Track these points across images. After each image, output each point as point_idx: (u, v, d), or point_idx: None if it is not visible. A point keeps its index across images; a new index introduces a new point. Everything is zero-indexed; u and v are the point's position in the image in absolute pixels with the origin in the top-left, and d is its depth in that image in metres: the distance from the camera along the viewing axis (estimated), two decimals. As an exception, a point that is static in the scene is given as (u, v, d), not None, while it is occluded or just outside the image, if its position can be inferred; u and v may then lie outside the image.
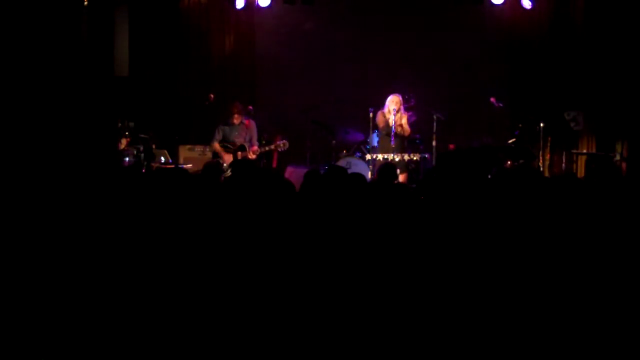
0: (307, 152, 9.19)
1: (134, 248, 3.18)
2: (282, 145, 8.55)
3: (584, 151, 9.00)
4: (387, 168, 5.71)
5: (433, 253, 3.08)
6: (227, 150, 8.53)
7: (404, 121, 8.12)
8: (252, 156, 8.46)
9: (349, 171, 4.70)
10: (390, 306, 2.84)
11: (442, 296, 2.87)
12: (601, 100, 8.91)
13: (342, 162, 8.52)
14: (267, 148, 8.66)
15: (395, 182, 6.00)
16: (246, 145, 8.49)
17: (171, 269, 3.04)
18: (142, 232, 3.30)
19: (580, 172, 8.94)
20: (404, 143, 8.25)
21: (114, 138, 7.97)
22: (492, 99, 8.80)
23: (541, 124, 8.47)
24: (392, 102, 8.09)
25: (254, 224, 3.36)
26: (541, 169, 8.61)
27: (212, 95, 8.96)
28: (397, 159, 7.88)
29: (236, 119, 8.54)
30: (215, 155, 8.61)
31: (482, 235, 3.21)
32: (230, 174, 6.92)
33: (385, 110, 8.14)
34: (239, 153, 8.47)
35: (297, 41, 9.94)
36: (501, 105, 8.81)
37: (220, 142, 8.56)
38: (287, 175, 8.62)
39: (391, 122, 8.03)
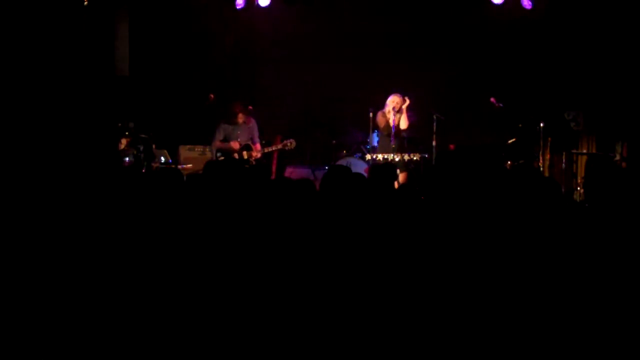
0: (307, 152, 9.19)
1: (134, 248, 3.18)
2: (289, 144, 8.58)
3: (584, 151, 9.01)
4: (380, 169, 5.44)
5: (433, 253, 3.08)
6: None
7: (403, 116, 8.09)
8: (256, 155, 8.49)
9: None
10: (389, 306, 2.84)
11: (441, 296, 2.87)
12: (601, 100, 8.92)
13: (342, 162, 8.52)
14: (274, 147, 8.68)
15: (395, 182, 5.95)
16: (250, 144, 8.51)
17: (171, 269, 3.04)
18: (142, 232, 3.30)
19: (581, 172, 8.95)
20: (404, 143, 8.24)
21: (114, 138, 7.97)
22: (492, 99, 8.80)
23: (541, 124, 8.47)
24: (392, 102, 8.09)
25: (253, 224, 3.36)
26: (541, 169, 8.61)
27: (212, 95, 8.96)
28: (397, 159, 7.88)
29: (240, 118, 8.56)
30: (222, 152, 8.59)
31: (483, 235, 3.22)
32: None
33: (386, 110, 8.14)
34: (244, 152, 8.49)
35: (297, 41, 9.94)
36: (501, 105, 8.81)
37: (222, 141, 8.56)
38: (287, 175, 8.63)
39: (391, 122, 8.03)
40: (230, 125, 8.56)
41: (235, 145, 8.44)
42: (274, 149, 8.71)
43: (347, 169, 4.40)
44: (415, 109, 8.16)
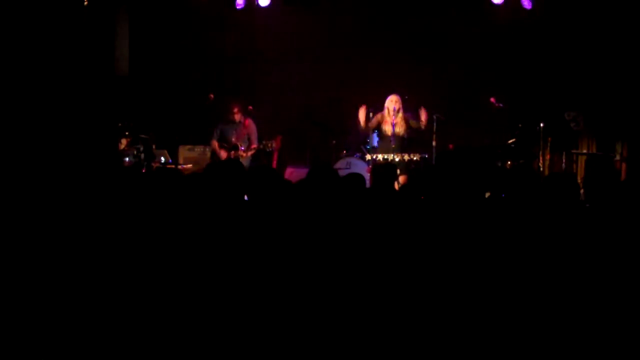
0: (307, 152, 9.18)
1: (134, 248, 3.18)
2: (269, 145, 8.53)
3: (584, 151, 9.01)
4: (382, 168, 5.44)
5: (433, 253, 3.08)
6: (224, 149, 8.57)
7: (422, 118, 8.04)
8: (243, 154, 8.47)
9: (349, 171, 4.67)
10: (390, 307, 2.84)
11: (442, 296, 2.87)
12: (601, 101, 8.93)
13: (342, 162, 8.53)
14: (252, 148, 8.61)
15: (396, 183, 5.93)
16: (239, 144, 8.50)
17: (171, 269, 3.04)
18: (142, 232, 3.30)
19: (580, 172, 8.95)
20: (404, 143, 8.23)
21: (114, 138, 7.97)
22: (492, 99, 8.80)
23: (541, 124, 8.47)
24: (392, 102, 8.07)
25: (252, 225, 3.36)
26: (541, 169, 8.62)
27: (212, 95, 8.96)
28: (397, 159, 7.87)
29: (236, 117, 8.56)
30: (214, 153, 8.64)
31: (482, 234, 3.22)
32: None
33: (385, 110, 8.13)
34: (232, 152, 8.49)
35: (297, 41, 9.94)
36: (501, 105, 8.81)
37: (218, 140, 8.60)
38: (287, 175, 8.63)
39: (390, 122, 8.02)
40: (227, 125, 8.59)
41: (223, 154, 8.46)
42: (252, 148, 8.60)
43: (333, 171, 4.35)
44: (414, 109, 8.15)
